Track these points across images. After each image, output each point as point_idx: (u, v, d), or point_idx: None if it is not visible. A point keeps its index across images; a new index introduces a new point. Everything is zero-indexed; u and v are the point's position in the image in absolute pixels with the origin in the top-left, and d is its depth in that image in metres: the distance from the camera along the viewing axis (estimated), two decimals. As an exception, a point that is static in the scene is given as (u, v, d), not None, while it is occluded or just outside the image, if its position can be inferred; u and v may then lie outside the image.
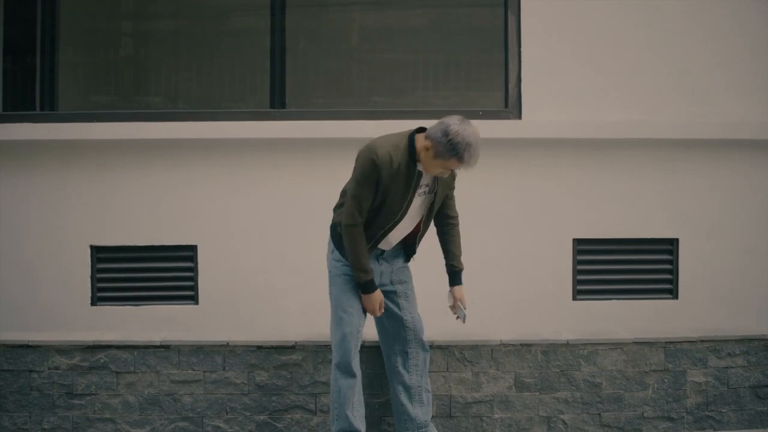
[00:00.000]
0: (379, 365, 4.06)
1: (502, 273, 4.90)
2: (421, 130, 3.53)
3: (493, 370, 4.12)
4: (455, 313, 3.90)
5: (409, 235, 3.71)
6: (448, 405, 4.10)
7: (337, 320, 3.68)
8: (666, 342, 4.17)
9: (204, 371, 4.08)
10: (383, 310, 3.72)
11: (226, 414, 4.08)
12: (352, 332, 3.66)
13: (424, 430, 3.80)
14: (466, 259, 4.83)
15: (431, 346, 3.97)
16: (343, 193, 3.67)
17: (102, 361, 4.07)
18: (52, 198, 4.84)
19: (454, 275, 3.86)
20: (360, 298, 3.66)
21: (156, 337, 4.11)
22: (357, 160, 3.51)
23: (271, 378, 4.09)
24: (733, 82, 4.91)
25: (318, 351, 4.06)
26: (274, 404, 4.08)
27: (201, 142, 4.82)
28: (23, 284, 4.83)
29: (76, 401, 4.07)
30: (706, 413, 4.19)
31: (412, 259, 3.85)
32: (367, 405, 4.06)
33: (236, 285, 4.85)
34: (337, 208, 3.68)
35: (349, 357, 3.65)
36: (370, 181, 3.42)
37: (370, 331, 3.89)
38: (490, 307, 4.87)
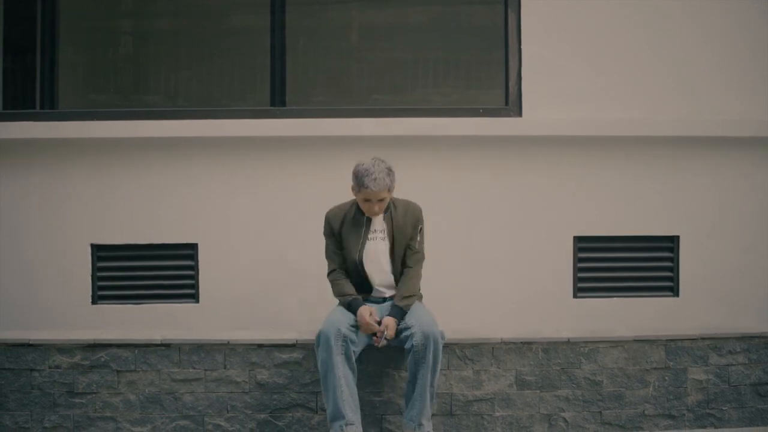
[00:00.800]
0: (380, 364, 4.06)
1: (502, 271, 4.90)
2: None
3: (494, 368, 4.12)
4: (378, 337, 3.91)
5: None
6: (449, 403, 4.10)
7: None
8: (667, 340, 4.18)
9: (205, 370, 4.08)
10: (376, 323, 3.91)
11: (227, 412, 4.08)
12: (330, 328, 3.81)
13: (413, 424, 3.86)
14: (466, 257, 4.87)
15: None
16: None
17: (103, 359, 4.07)
18: (52, 197, 4.83)
19: (393, 307, 3.99)
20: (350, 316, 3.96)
21: (157, 335, 4.11)
22: None
23: (271, 376, 4.09)
24: (733, 81, 4.92)
25: (319, 349, 4.06)
26: (274, 403, 4.08)
27: (201, 141, 4.82)
28: (24, 283, 4.82)
29: (77, 400, 4.07)
30: (707, 411, 4.20)
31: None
32: (367, 403, 4.06)
33: (237, 283, 4.85)
34: None
35: (326, 333, 3.79)
36: (328, 233, 4.07)
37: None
38: (490, 305, 4.88)
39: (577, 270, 4.94)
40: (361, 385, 3.98)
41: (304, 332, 4.19)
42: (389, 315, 3.94)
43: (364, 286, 4.07)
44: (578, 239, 4.93)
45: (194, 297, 4.89)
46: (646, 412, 4.17)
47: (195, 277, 4.88)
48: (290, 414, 4.08)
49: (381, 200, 3.94)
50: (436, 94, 5.10)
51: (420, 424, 3.84)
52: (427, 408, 3.85)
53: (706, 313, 4.88)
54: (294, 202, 4.85)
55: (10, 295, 4.81)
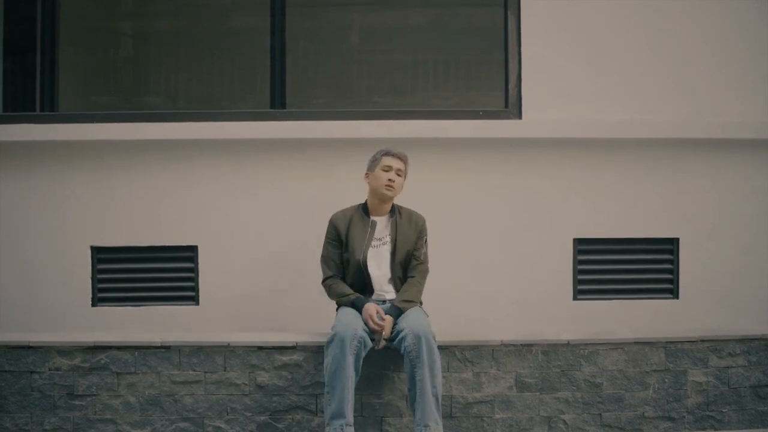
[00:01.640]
0: (380, 365, 4.07)
1: (502, 273, 4.90)
2: None
3: (493, 371, 4.12)
4: (378, 338, 3.92)
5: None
6: (448, 405, 4.10)
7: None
8: (666, 342, 4.18)
9: (205, 372, 4.08)
10: (383, 320, 3.94)
11: (227, 414, 4.08)
12: (346, 329, 3.82)
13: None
14: (467, 258, 4.86)
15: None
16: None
17: (103, 361, 4.07)
18: (52, 199, 4.83)
19: (392, 308, 4.02)
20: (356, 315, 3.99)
21: (156, 337, 4.12)
22: None
23: (271, 378, 4.09)
24: (733, 81, 4.91)
25: (319, 351, 4.06)
26: (274, 405, 4.09)
27: (201, 143, 4.82)
28: (24, 285, 4.83)
29: (76, 402, 4.07)
30: (707, 413, 4.20)
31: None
32: (367, 405, 4.07)
33: (237, 285, 4.85)
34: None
35: (341, 334, 3.80)
36: (331, 237, 4.14)
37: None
38: (490, 308, 4.88)
39: (577, 272, 4.94)
40: (360, 387, 3.98)
41: (304, 334, 4.19)
42: (387, 314, 3.99)
43: (365, 289, 4.10)
44: (578, 241, 4.93)
45: (194, 299, 4.89)
46: (645, 415, 4.17)
47: (195, 279, 4.88)
48: (290, 416, 4.09)
49: (399, 172, 4.12)
50: (436, 96, 5.09)
51: (426, 426, 3.77)
52: (431, 409, 3.78)
53: (706, 315, 4.88)
54: (294, 204, 4.85)
55: (10, 297, 4.82)
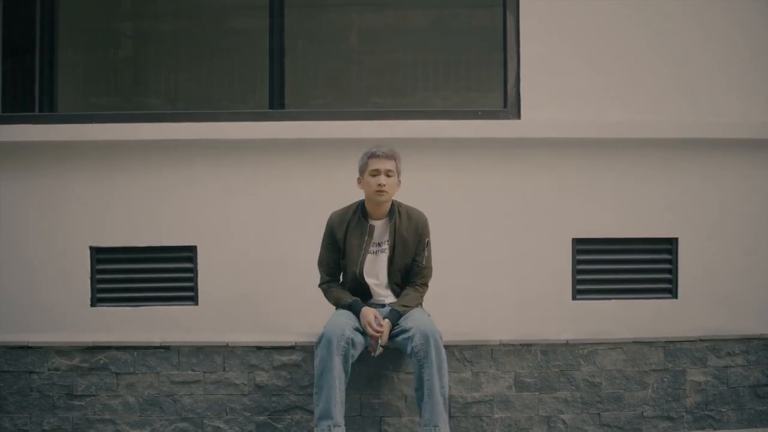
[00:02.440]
0: (380, 365, 4.06)
1: (501, 273, 4.90)
2: None
3: (492, 370, 4.12)
4: (374, 344, 3.89)
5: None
6: (447, 405, 4.10)
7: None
8: (665, 341, 4.17)
9: (204, 372, 4.08)
10: (380, 326, 3.86)
11: (226, 414, 4.08)
12: (333, 330, 3.77)
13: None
14: (466, 258, 4.86)
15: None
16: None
17: (102, 362, 4.07)
18: (51, 199, 4.84)
19: (391, 311, 3.94)
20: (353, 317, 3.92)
21: (156, 337, 4.12)
22: None
23: (270, 378, 4.09)
24: (734, 82, 4.91)
25: (318, 351, 4.06)
26: (273, 405, 4.09)
27: (200, 143, 4.82)
28: (23, 285, 4.83)
29: (76, 402, 4.07)
30: (706, 412, 4.19)
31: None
32: (366, 405, 4.06)
33: (236, 286, 4.85)
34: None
35: (328, 334, 3.75)
36: (328, 240, 4.02)
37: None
38: (489, 307, 4.88)
39: (576, 272, 4.94)
40: (359, 386, 3.98)
41: (303, 334, 4.19)
42: (385, 318, 3.91)
43: (363, 294, 4.04)
44: (577, 241, 4.93)
45: (193, 299, 4.89)
46: (644, 414, 4.17)
47: (194, 279, 4.88)
48: (289, 416, 4.09)
49: (389, 173, 3.90)
50: (435, 97, 5.10)
51: (436, 426, 3.72)
52: (440, 410, 3.73)
53: (705, 314, 4.88)
54: (293, 204, 4.85)
55: (9, 297, 4.82)
